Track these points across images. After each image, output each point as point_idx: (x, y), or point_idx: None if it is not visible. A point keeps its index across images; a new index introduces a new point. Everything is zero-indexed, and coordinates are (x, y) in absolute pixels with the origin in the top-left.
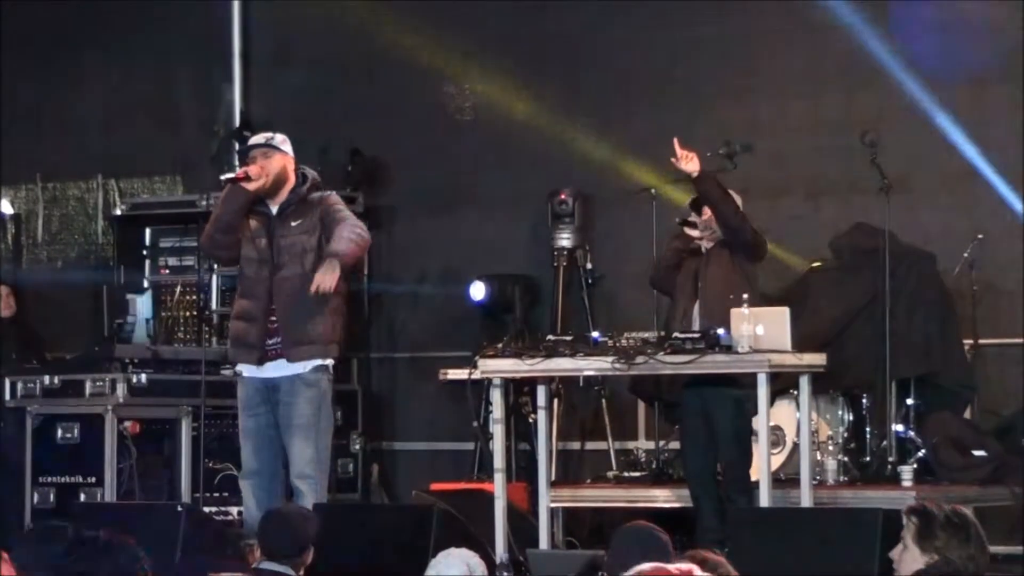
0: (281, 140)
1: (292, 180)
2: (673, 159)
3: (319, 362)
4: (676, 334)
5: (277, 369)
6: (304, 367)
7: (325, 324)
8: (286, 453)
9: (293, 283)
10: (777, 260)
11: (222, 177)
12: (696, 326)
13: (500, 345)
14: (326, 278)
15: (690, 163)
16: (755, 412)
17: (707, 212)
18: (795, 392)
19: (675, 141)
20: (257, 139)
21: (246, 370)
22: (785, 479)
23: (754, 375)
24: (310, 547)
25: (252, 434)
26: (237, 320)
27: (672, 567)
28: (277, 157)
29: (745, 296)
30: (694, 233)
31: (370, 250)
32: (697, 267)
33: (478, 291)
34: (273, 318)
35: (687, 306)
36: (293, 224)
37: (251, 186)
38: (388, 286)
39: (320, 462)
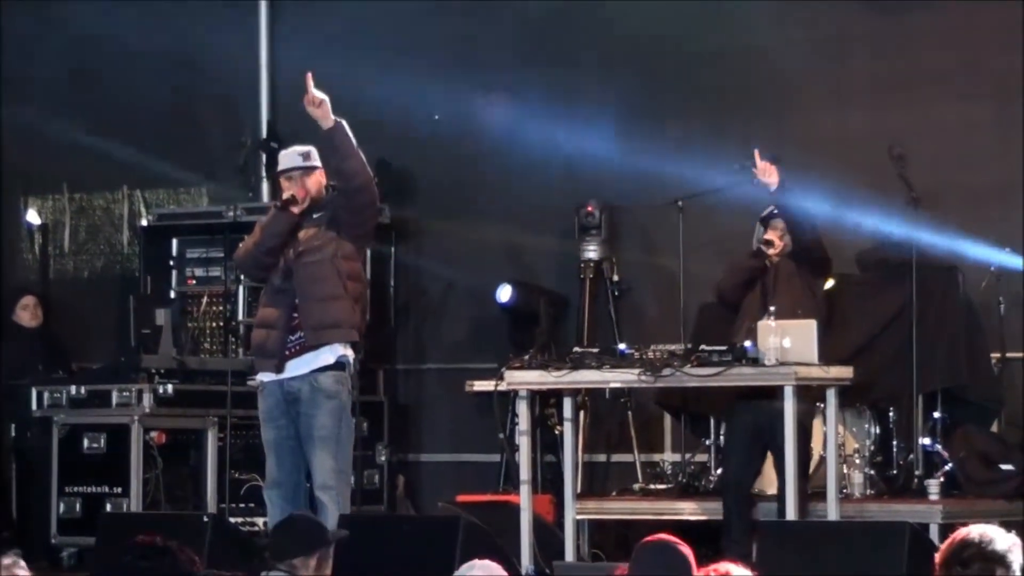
0: (314, 156)
1: (324, 193)
2: (754, 169)
3: (340, 351)
4: (703, 346)
5: (298, 368)
6: (324, 359)
7: (345, 307)
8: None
9: (315, 267)
10: None
11: (277, 204)
12: None
13: (526, 357)
14: (322, 97)
15: (770, 176)
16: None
17: (778, 228)
18: (822, 405)
19: (755, 153)
20: (294, 159)
21: (266, 379)
22: (812, 492)
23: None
24: (314, 553)
25: (274, 446)
26: (258, 328)
27: None
28: (314, 175)
29: (771, 309)
30: (771, 251)
31: (397, 261)
32: (765, 283)
33: (505, 293)
34: (295, 323)
35: (753, 323)
36: (315, 216)
37: (297, 209)
38: (415, 297)
39: (342, 473)
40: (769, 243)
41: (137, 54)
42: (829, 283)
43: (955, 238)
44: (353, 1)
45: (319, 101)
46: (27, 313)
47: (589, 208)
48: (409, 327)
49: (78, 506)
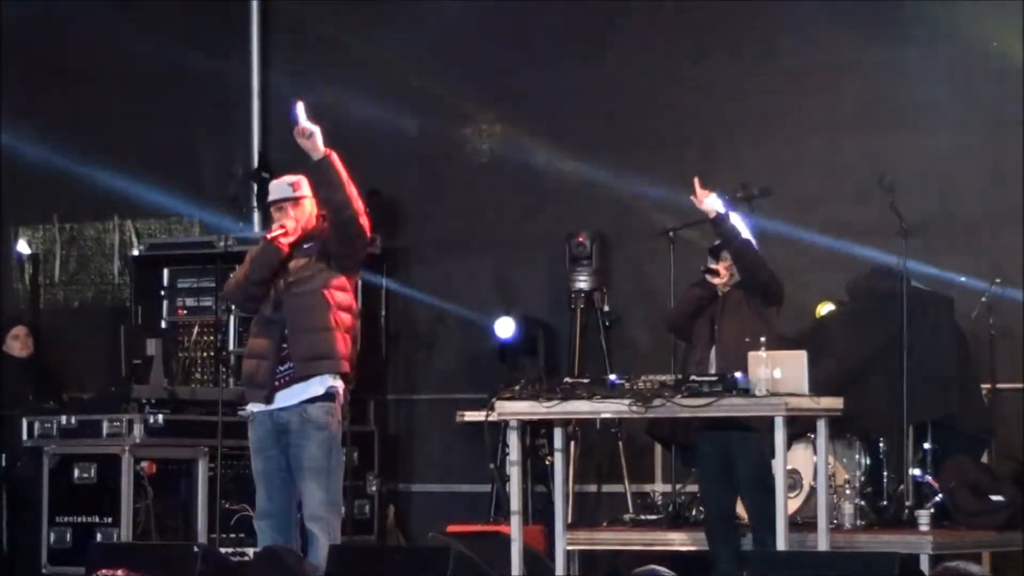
0: (304, 185)
1: (315, 223)
2: (692, 198)
3: (329, 382)
4: (694, 377)
5: (287, 399)
6: (314, 390)
7: (335, 338)
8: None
9: (305, 298)
10: (794, 303)
11: (267, 236)
12: (712, 371)
13: (517, 387)
14: (312, 128)
15: (708, 203)
16: (772, 455)
17: (726, 259)
18: (812, 436)
19: (695, 181)
20: (284, 189)
21: (257, 410)
22: (802, 523)
23: (769, 418)
24: None
25: (264, 476)
26: (248, 359)
27: None
28: (304, 205)
29: (763, 339)
30: (716, 280)
31: (388, 291)
32: (714, 313)
33: (505, 328)
34: (284, 354)
35: (704, 352)
36: (305, 247)
37: (286, 240)
38: (405, 327)
39: (332, 504)
40: (714, 272)
41: (129, 82)
42: (828, 307)
43: (946, 268)
44: (344, 32)
45: (309, 132)
46: (18, 343)
47: (580, 238)
48: (400, 357)
49: (68, 536)
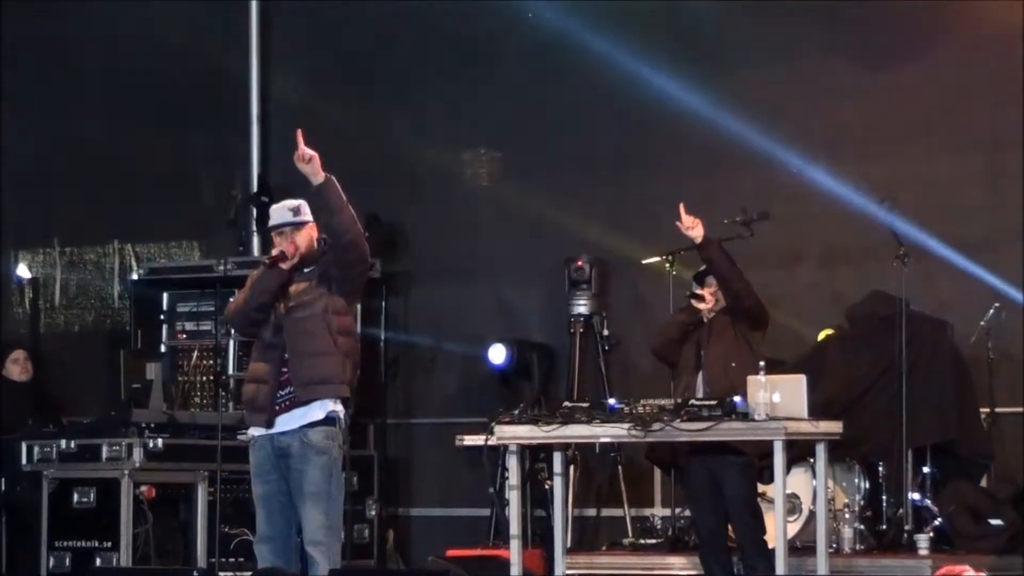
0: (305, 210)
1: (316, 247)
2: (678, 223)
3: (330, 407)
4: (693, 401)
5: (288, 423)
6: (314, 414)
7: (335, 363)
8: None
9: (305, 322)
10: (792, 328)
11: (264, 259)
12: (700, 396)
13: (516, 411)
14: (312, 153)
15: (694, 229)
16: (764, 479)
17: (712, 285)
18: (811, 460)
19: (680, 207)
20: (284, 214)
21: (257, 434)
22: (801, 547)
23: (762, 442)
24: None
25: (264, 500)
26: (248, 383)
27: None
28: (305, 231)
29: (761, 364)
30: (702, 306)
31: (387, 316)
32: (700, 338)
33: (498, 354)
34: (284, 378)
35: (690, 378)
36: (306, 271)
37: (286, 265)
38: (405, 351)
39: (332, 528)
40: (700, 298)
41: (129, 106)
42: (828, 331)
43: (945, 292)
44: (345, 54)
45: (309, 157)
46: (17, 367)
47: (579, 262)
48: (399, 381)
49: (68, 560)
